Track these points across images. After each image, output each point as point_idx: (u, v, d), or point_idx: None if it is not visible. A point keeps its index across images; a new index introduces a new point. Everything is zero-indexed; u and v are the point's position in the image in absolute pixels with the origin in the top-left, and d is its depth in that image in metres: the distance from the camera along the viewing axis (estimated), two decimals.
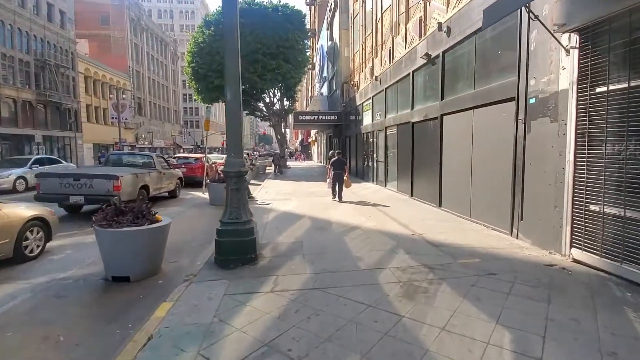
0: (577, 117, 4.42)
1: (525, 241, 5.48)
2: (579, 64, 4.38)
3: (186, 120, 71.63)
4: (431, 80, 9.15)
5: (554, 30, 4.59)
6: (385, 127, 13.08)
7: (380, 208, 9.04)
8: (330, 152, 14.40)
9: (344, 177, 10.29)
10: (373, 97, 14.90)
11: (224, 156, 21.74)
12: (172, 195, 11.96)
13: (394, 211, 8.50)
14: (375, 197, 11.22)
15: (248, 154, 32.19)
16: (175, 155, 16.35)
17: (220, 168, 11.23)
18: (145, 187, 9.37)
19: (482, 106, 6.71)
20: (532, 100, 5.33)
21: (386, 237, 6.10)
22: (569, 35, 4.50)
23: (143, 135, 47.97)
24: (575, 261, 4.53)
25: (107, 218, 4.41)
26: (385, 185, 13.37)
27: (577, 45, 4.38)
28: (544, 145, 5.08)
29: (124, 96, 37.63)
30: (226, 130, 4.87)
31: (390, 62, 12.39)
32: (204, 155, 16.64)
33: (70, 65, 35.54)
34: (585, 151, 4.36)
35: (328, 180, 10.61)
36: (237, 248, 4.71)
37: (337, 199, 10.30)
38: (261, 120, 32.37)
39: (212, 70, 23.96)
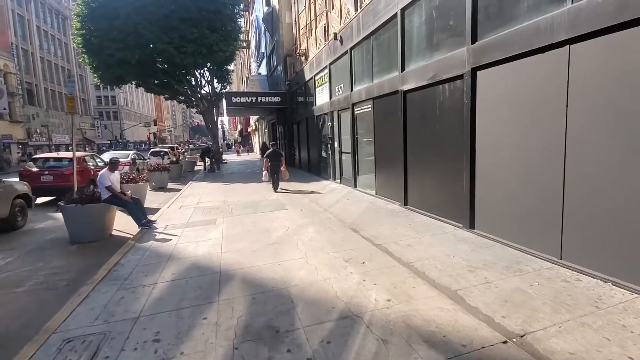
0: None
1: None
2: None
3: (101, 111, 61.06)
4: (443, 14, 5.47)
5: None
6: (352, 105, 9.29)
7: (370, 235, 5.24)
8: (262, 143, 14.34)
9: (281, 168, 10.24)
10: (330, 65, 10.99)
11: (130, 152, 16.34)
12: (10, 226, 6.96)
13: (401, 246, 4.75)
14: (348, 208, 7.42)
15: (173, 147, 26.52)
16: (36, 156, 10.84)
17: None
18: None
19: (603, 33, 3.16)
20: None
21: None
22: None
23: (38, 130, 38.69)
24: None
25: None
26: (355, 186, 9.66)
27: None
28: None
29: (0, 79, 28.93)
30: None
31: (357, 9, 8.54)
32: (87, 153, 11.41)
33: None
34: None
35: (264, 173, 10.27)
36: None
37: (275, 189, 10.15)
38: (187, 106, 26.76)
39: (110, 39, 18.15)
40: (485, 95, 4.66)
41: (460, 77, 5.03)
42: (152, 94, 27.29)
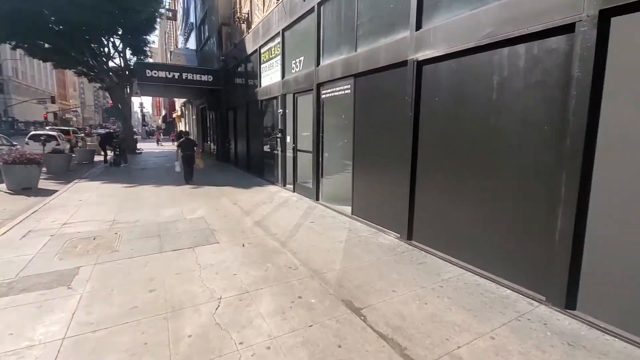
0: None
1: None
2: None
3: None
4: None
5: None
6: (318, 85, 6.61)
7: (389, 326, 2.67)
8: (177, 132, 13.09)
9: (196, 159, 9.57)
10: (284, 31, 8.12)
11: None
12: None
13: None
14: (319, 242, 4.74)
15: (68, 131, 20.88)
16: None
17: None
18: None
19: None
20: None
21: None
22: None
23: None
24: None
25: None
26: (317, 198, 7.02)
27: None
28: None
29: None
30: None
31: None
32: None
33: None
34: None
35: (177, 163, 9.69)
36: None
37: (189, 183, 9.27)
38: (89, 80, 21.26)
39: None
40: (630, 61, 2.38)
41: (564, 29, 2.69)
42: (54, 67, 21.22)
